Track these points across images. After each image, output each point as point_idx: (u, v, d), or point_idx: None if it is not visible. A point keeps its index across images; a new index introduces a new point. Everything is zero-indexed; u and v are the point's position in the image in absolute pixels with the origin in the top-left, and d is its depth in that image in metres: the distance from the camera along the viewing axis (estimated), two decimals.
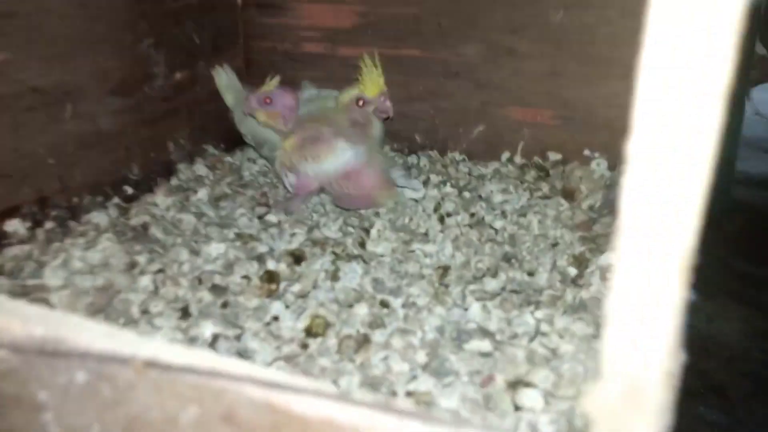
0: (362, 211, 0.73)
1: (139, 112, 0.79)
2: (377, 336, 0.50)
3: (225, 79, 0.88)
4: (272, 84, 0.75)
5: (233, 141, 0.91)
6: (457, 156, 0.88)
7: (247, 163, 0.89)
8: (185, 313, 0.54)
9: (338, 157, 0.70)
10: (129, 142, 0.78)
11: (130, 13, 0.76)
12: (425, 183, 0.79)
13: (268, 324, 0.53)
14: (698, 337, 1.11)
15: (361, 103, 0.74)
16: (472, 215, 0.71)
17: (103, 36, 0.73)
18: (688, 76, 0.17)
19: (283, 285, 0.59)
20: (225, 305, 0.56)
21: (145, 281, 0.58)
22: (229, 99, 0.88)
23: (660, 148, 0.17)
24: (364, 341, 0.49)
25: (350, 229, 0.69)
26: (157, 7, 0.80)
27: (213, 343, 0.49)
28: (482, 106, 0.87)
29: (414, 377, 0.44)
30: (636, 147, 0.18)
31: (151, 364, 0.25)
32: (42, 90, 0.67)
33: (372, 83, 0.73)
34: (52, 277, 0.58)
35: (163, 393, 0.26)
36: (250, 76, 0.95)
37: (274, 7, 0.93)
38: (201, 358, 0.25)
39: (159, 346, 0.26)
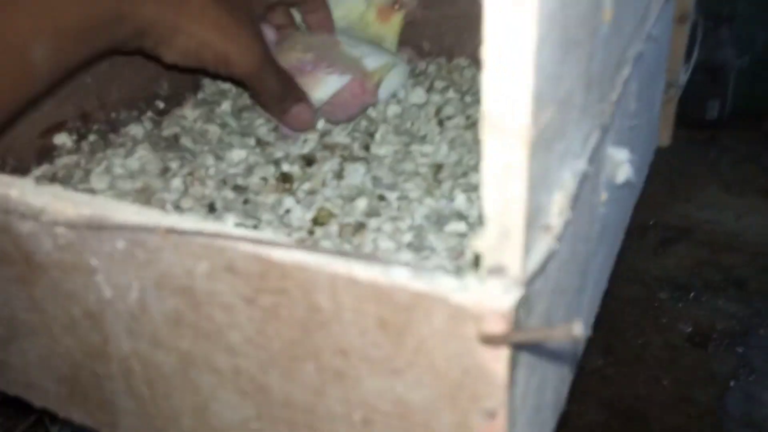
0: (371, 116, 0.80)
1: None
2: (372, 223, 0.58)
3: None
4: None
5: None
6: (463, 61, 0.92)
7: None
8: (211, 208, 0.63)
9: (327, 86, 0.72)
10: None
11: None
12: (429, 89, 0.84)
13: (281, 216, 0.62)
14: (724, 234, 1.16)
15: None
16: (468, 118, 0.77)
17: None
18: None
19: (296, 184, 0.67)
20: (246, 202, 0.65)
21: (177, 183, 0.67)
22: None
23: None
24: (360, 227, 0.57)
25: (357, 134, 0.76)
26: None
27: None
28: None
29: (397, 251, 0.52)
30: None
31: (171, 230, 0.34)
32: None
33: None
34: (97, 182, 0.68)
35: (182, 252, 0.34)
36: None
37: None
38: (207, 224, 0.33)
39: (176, 218, 0.35)
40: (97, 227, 0.36)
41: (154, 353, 0.41)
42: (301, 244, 0.30)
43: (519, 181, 0.25)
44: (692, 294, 1.03)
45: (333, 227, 0.59)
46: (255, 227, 0.59)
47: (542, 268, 0.29)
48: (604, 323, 0.59)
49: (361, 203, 0.62)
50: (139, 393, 0.44)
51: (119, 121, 0.82)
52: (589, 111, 0.37)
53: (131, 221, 0.35)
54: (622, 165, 0.49)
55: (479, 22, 0.89)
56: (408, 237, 0.55)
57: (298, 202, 0.63)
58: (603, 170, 0.48)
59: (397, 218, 0.58)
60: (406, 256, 0.51)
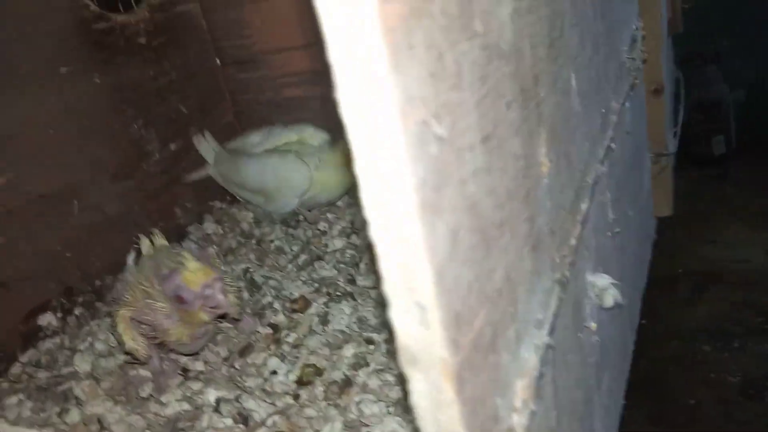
0: (356, 243, 0.78)
1: (142, 189, 0.86)
2: (359, 377, 0.55)
3: (204, 143, 0.94)
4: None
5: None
6: None
7: (244, 212, 0.94)
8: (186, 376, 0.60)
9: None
10: (137, 218, 0.85)
11: (115, 103, 0.83)
12: None
13: (266, 378, 0.58)
14: (755, 272, 1.09)
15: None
16: None
17: (95, 131, 0.80)
18: None
19: (283, 333, 0.64)
20: (231, 366, 0.62)
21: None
22: (210, 158, 0.93)
23: None
24: (345, 385, 0.54)
25: (342, 266, 0.73)
26: (139, 90, 0.87)
27: (217, 407, 0.55)
28: None
29: (384, 417, 0.49)
30: None
31: None
32: (48, 195, 0.74)
33: (195, 271, 0.54)
34: (81, 363, 0.65)
35: None
36: (242, 127, 1.01)
37: (250, 62, 0.99)
38: None
39: None
40: None
41: None
42: None
43: (452, 413, 0.22)
44: (735, 342, 0.96)
45: (318, 388, 0.55)
46: (237, 399, 0.56)
47: None
48: (650, 388, 0.52)
49: (348, 351, 0.59)
50: None
51: (105, 287, 0.80)
52: (543, 269, 0.34)
53: None
54: (607, 290, 0.45)
55: None
56: (395, 392, 0.51)
57: (282, 359, 0.60)
58: (587, 300, 0.44)
59: (384, 370, 0.54)
60: (392, 423, 0.47)
